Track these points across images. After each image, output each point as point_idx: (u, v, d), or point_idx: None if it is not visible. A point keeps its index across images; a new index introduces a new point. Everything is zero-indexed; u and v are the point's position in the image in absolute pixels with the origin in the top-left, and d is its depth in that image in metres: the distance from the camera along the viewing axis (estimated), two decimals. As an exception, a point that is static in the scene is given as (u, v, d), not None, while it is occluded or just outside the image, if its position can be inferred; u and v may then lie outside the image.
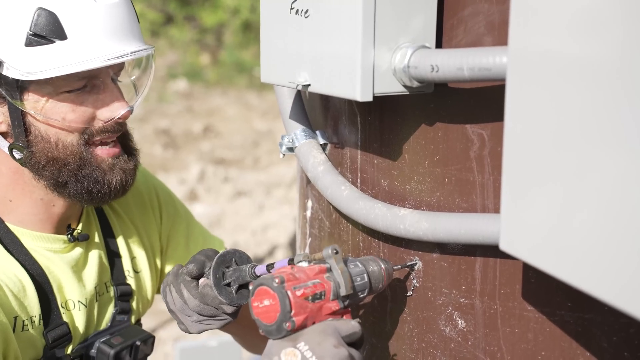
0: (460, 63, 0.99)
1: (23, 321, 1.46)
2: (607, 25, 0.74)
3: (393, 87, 1.10)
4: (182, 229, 1.86)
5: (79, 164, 1.49)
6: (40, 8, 1.38)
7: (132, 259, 1.75)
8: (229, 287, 1.31)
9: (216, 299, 1.31)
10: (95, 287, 1.64)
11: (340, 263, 1.12)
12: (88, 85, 1.47)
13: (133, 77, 1.64)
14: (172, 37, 12.03)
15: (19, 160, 1.49)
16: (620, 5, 0.73)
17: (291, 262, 1.18)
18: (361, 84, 1.06)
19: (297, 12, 1.16)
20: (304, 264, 1.15)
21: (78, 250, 1.62)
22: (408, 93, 1.11)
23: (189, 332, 1.40)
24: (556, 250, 0.84)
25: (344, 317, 1.14)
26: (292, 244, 6.04)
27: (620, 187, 0.74)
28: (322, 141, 1.38)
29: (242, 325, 1.66)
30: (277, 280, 1.09)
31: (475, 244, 1.10)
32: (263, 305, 1.11)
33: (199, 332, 1.39)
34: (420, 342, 1.23)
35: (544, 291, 1.08)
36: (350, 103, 1.29)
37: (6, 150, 1.49)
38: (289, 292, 1.08)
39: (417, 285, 1.22)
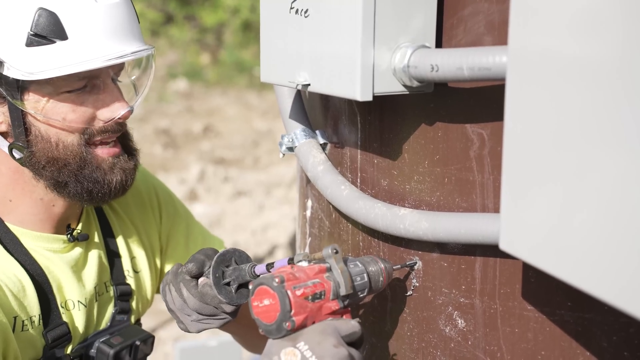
0: (460, 63, 0.99)
1: (23, 321, 1.46)
2: (607, 25, 0.74)
3: (393, 86, 1.10)
4: (181, 229, 1.86)
5: (79, 164, 1.49)
6: (41, 8, 1.38)
7: (132, 258, 1.75)
8: (228, 287, 1.31)
9: (215, 298, 1.31)
10: (95, 287, 1.64)
11: (340, 263, 1.12)
12: (88, 85, 1.47)
13: (133, 77, 1.64)
14: (172, 36, 12.03)
15: (18, 160, 1.48)
16: (620, 5, 0.73)
17: (291, 261, 1.18)
18: (361, 84, 1.06)
19: (297, 11, 1.16)
20: (304, 264, 1.15)
21: (78, 250, 1.62)
22: (408, 93, 1.11)
23: (189, 331, 1.39)
24: (556, 250, 0.84)
25: (344, 316, 1.14)
26: (292, 244, 6.04)
27: (620, 187, 0.74)
28: (322, 141, 1.38)
29: (241, 324, 1.66)
30: (277, 280, 1.09)
31: (475, 244, 1.10)
32: (263, 305, 1.11)
33: (199, 331, 1.39)
34: (420, 341, 1.23)
35: (544, 291, 1.08)
36: (350, 103, 1.29)
37: (6, 150, 1.49)
38: (289, 292, 1.08)
39: (417, 284, 1.22)
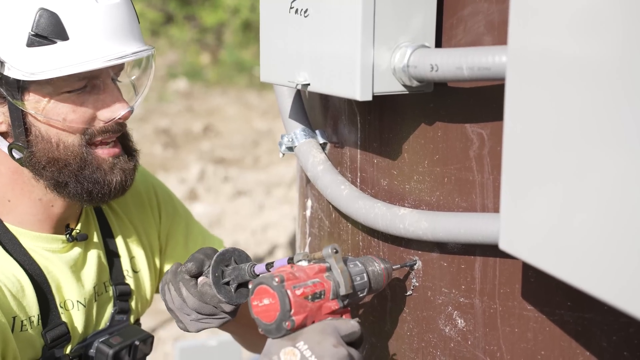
0: (459, 62, 0.99)
1: (22, 321, 1.46)
2: (607, 25, 0.74)
3: (392, 86, 1.09)
4: (181, 228, 1.86)
5: (79, 165, 1.49)
6: (41, 8, 1.38)
7: (131, 258, 1.75)
8: (228, 286, 1.31)
9: (215, 297, 1.31)
10: (94, 287, 1.64)
11: (340, 262, 1.12)
12: (88, 85, 1.47)
13: (133, 78, 1.64)
14: (172, 36, 12.03)
15: (18, 160, 1.48)
16: (620, 5, 0.72)
17: (291, 261, 1.18)
18: (361, 83, 1.06)
19: (296, 11, 1.16)
20: (304, 263, 1.15)
21: (77, 250, 1.62)
22: (408, 92, 1.11)
23: (188, 331, 1.39)
24: (556, 250, 0.84)
25: (344, 316, 1.14)
26: (292, 244, 6.04)
27: (620, 187, 0.74)
28: (321, 140, 1.38)
29: (241, 324, 1.66)
30: (276, 279, 1.09)
31: (475, 244, 1.10)
32: (262, 304, 1.10)
33: (198, 331, 1.39)
34: (420, 341, 1.23)
35: (544, 291, 1.08)
36: (350, 102, 1.29)
37: (6, 150, 1.49)
38: (289, 291, 1.08)
39: (417, 284, 1.22)
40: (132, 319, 1.73)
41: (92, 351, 1.60)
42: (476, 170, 1.11)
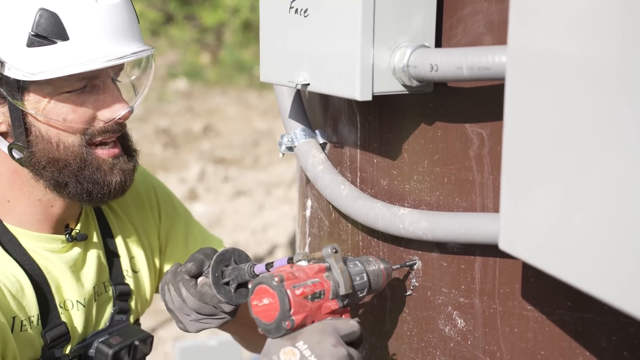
0: (459, 62, 0.99)
1: (21, 321, 1.46)
2: (607, 25, 0.74)
3: (392, 86, 1.09)
4: (180, 228, 1.86)
5: (79, 165, 1.49)
6: (42, 9, 1.38)
7: (131, 258, 1.75)
8: (227, 286, 1.31)
9: (215, 297, 1.31)
10: (94, 287, 1.64)
11: (340, 262, 1.12)
12: (88, 85, 1.47)
13: (133, 78, 1.64)
14: (172, 36, 12.03)
15: (18, 160, 1.48)
16: (620, 5, 0.72)
17: (290, 261, 1.17)
18: (360, 83, 1.06)
19: (296, 11, 1.16)
20: (304, 263, 1.15)
21: (76, 250, 1.62)
22: (407, 92, 1.11)
23: (188, 331, 1.39)
24: (556, 250, 0.84)
25: (343, 316, 1.14)
26: (292, 244, 6.04)
27: (620, 187, 0.74)
28: (321, 140, 1.38)
29: (241, 324, 1.66)
30: (276, 279, 1.09)
31: (475, 244, 1.10)
32: (262, 304, 1.10)
33: (198, 331, 1.39)
34: (419, 341, 1.23)
35: (544, 291, 1.08)
36: (350, 102, 1.29)
37: (6, 150, 1.49)
38: (289, 291, 1.08)
39: (417, 284, 1.22)
40: (131, 319, 1.73)
41: (91, 351, 1.60)
42: (476, 170, 1.11)
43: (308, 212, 1.49)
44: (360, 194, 1.25)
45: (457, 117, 1.12)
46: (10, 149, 1.47)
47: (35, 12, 1.38)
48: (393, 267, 1.20)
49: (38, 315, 1.50)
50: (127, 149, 1.59)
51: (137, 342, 1.64)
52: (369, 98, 1.07)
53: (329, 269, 1.13)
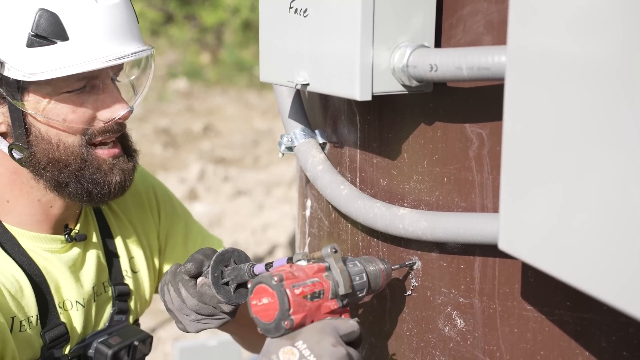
0: (459, 62, 0.99)
1: (20, 321, 1.46)
2: (607, 25, 0.74)
3: (392, 86, 1.09)
4: (180, 228, 1.86)
5: (80, 165, 1.49)
6: (41, 9, 1.38)
7: (130, 258, 1.75)
8: (227, 286, 1.31)
9: (214, 298, 1.31)
10: (93, 287, 1.64)
11: (339, 262, 1.12)
12: (87, 85, 1.47)
13: (132, 78, 1.64)
14: (172, 36, 12.03)
15: (18, 161, 1.48)
16: (620, 5, 0.72)
17: (290, 260, 1.17)
18: (360, 83, 1.06)
19: (296, 11, 1.16)
20: (303, 263, 1.15)
21: (76, 251, 1.62)
22: (407, 92, 1.11)
23: (187, 331, 1.39)
24: (556, 250, 0.84)
25: (343, 316, 1.14)
26: (291, 244, 6.04)
27: (620, 187, 0.74)
28: (321, 140, 1.37)
29: (240, 324, 1.66)
30: (275, 279, 1.09)
31: (475, 244, 1.10)
32: (262, 304, 1.10)
33: (197, 331, 1.39)
34: (419, 341, 1.23)
35: (543, 291, 1.08)
36: (350, 102, 1.29)
37: (6, 150, 1.48)
38: (288, 291, 1.08)
39: (416, 284, 1.22)
40: (131, 319, 1.73)
41: (91, 351, 1.60)
42: (475, 170, 1.11)
43: (308, 212, 1.49)
44: (359, 194, 1.25)
45: (456, 117, 1.12)
46: (10, 149, 1.47)
47: (35, 12, 1.38)
48: (393, 267, 1.20)
49: (37, 315, 1.50)
50: (127, 149, 1.59)
51: (136, 343, 1.64)
52: (369, 98, 1.07)
53: (328, 268, 1.13)
